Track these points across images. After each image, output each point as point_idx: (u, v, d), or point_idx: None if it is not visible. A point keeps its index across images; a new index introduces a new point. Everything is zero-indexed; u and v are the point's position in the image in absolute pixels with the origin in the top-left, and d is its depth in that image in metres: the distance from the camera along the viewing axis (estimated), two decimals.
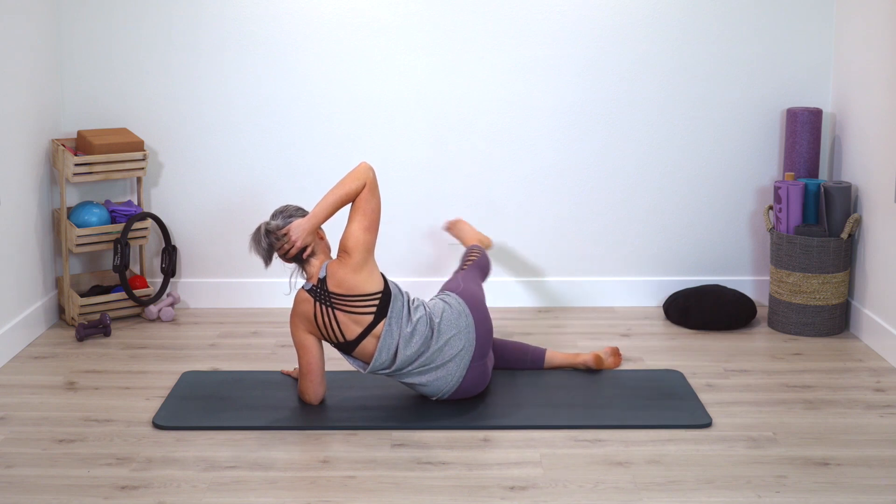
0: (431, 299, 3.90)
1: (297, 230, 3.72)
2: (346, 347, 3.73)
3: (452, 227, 4.70)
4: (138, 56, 4.91)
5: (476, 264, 4.23)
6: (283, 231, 3.74)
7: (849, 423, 3.68)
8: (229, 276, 5.10)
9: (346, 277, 3.69)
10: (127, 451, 3.47)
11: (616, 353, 4.23)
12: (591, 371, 4.16)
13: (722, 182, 5.03)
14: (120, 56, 4.90)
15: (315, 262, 3.78)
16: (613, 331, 4.72)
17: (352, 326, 3.69)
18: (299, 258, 3.78)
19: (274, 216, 3.81)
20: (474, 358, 3.77)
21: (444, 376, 3.74)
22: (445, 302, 3.82)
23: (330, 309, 3.69)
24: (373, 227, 3.74)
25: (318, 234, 3.81)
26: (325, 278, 3.71)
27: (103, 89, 4.93)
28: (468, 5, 4.87)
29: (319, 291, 3.70)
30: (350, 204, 3.87)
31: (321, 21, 4.89)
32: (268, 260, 3.76)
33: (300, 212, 3.82)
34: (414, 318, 3.73)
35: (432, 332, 3.73)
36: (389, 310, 3.70)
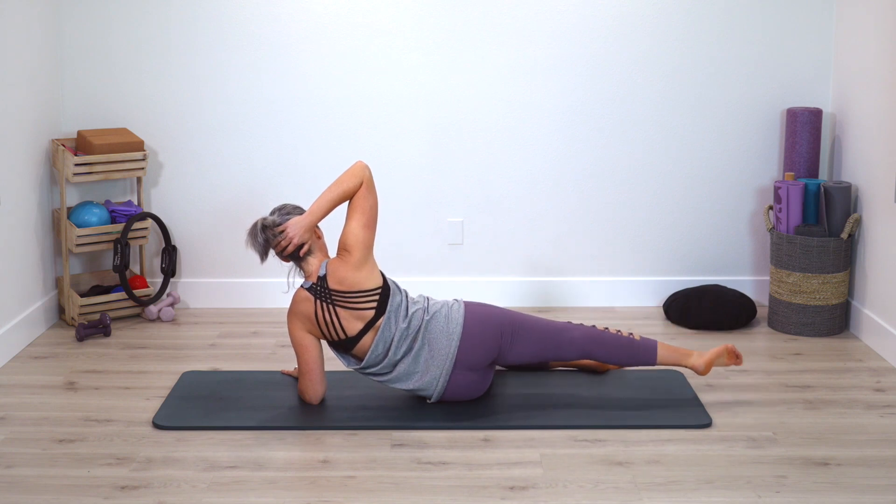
0: (442, 301, 3.88)
1: (295, 227, 3.72)
2: (346, 345, 3.73)
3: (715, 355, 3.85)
4: (138, 56, 4.91)
5: (621, 340, 3.74)
6: (280, 227, 3.74)
7: (849, 423, 3.68)
8: (229, 276, 5.10)
9: (347, 275, 3.70)
10: (127, 451, 3.47)
11: None
12: (595, 372, 4.16)
13: (722, 182, 5.03)
14: (120, 56, 4.91)
15: (313, 261, 3.78)
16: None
17: (353, 322, 3.69)
18: (296, 256, 3.78)
19: (271, 214, 3.82)
20: (458, 367, 3.73)
21: (430, 381, 3.73)
22: (446, 305, 3.81)
23: (331, 306, 3.69)
24: (371, 224, 3.75)
25: (315, 232, 3.81)
26: (325, 276, 3.71)
27: (103, 89, 4.93)
28: (468, 6, 4.87)
29: (320, 290, 3.71)
30: (347, 202, 3.87)
31: (321, 21, 4.89)
32: (263, 255, 3.76)
33: (298, 210, 3.83)
34: (410, 312, 3.74)
35: (420, 326, 3.73)
36: (388, 305, 3.71)
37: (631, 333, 3.79)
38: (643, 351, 3.75)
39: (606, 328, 3.78)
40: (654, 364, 3.76)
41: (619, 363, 3.76)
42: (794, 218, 4.64)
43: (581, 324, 3.84)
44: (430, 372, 3.73)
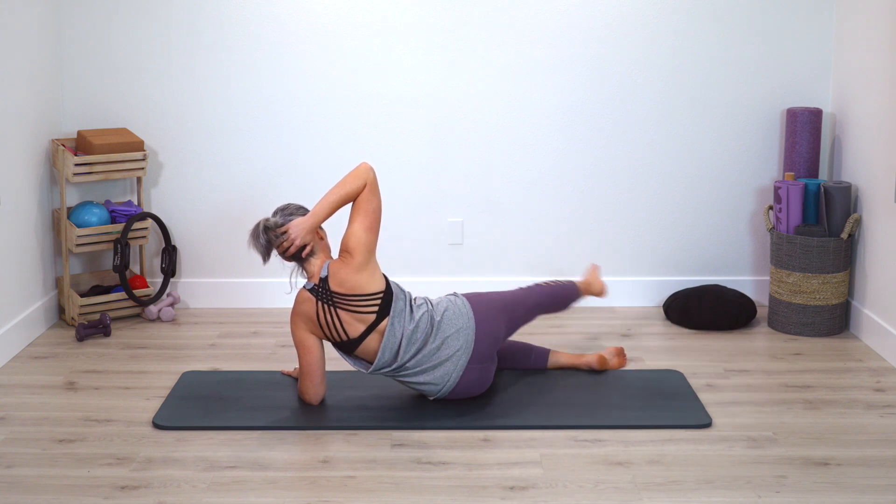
0: (440, 298, 3.90)
1: (297, 228, 3.72)
2: (349, 346, 3.73)
3: (591, 273, 4.44)
4: (138, 56, 4.91)
5: (550, 289, 4.14)
6: (283, 229, 3.74)
7: (849, 423, 3.68)
8: (229, 276, 5.11)
9: (348, 277, 3.69)
10: (127, 451, 3.47)
11: (621, 353, 4.23)
12: (594, 371, 4.16)
13: (722, 182, 5.03)
14: (120, 56, 4.91)
15: (315, 262, 3.78)
16: (613, 331, 4.72)
17: (355, 324, 3.70)
18: (298, 257, 3.78)
19: (274, 214, 3.81)
20: (472, 360, 3.76)
21: (442, 376, 3.74)
22: (451, 301, 3.82)
23: (332, 308, 3.69)
24: (374, 226, 3.75)
25: (318, 233, 3.81)
26: (326, 278, 3.71)
27: (103, 89, 4.93)
28: (468, 6, 4.87)
29: (321, 291, 3.71)
30: (351, 204, 3.86)
31: (321, 21, 4.89)
32: (266, 256, 3.76)
33: (301, 210, 3.82)
34: (416, 316, 3.74)
35: (431, 329, 3.74)
36: (391, 309, 3.71)
37: (557, 280, 4.30)
38: (572, 289, 4.22)
39: (545, 282, 4.19)
40: (579, 296, 4.26)
41: (563, 307, 4.19)
42: (794, 218, 4.64)
43: (526, 286, 4.17)
44: (443, 367, 3.73)
